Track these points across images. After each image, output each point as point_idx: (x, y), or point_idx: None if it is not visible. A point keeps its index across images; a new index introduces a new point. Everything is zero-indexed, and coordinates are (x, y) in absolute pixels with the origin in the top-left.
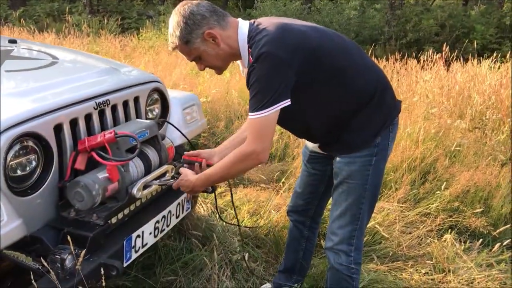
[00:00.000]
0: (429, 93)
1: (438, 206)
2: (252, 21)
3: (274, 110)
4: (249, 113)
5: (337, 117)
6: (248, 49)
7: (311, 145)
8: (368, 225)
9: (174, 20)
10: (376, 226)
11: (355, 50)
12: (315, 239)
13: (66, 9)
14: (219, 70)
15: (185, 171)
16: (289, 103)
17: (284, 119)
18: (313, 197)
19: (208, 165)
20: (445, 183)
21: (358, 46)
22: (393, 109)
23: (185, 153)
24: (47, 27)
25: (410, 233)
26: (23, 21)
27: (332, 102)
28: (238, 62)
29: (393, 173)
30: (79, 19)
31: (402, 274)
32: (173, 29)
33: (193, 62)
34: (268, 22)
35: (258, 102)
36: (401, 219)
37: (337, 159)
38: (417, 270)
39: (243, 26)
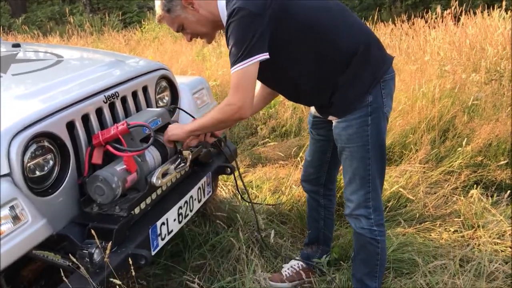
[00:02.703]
0: (441, 50)
1: (461, 163)
2: None
3: (250, 63)
4: (232, 69)
5: (322, 76)
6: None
7: (313, 110)
8: (392, 189)
9: None
10: (400, 189)
11: (336, 7)
12: (332, 207)
13: (66, 11)
14: (207, 37)
15: (173, 125)
16: (267, 56)
17: (273, 80)
18: (322, 164)
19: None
20: (466, 139)
21: (341, 5)
22: (381, 64)
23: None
24: (51, 30)
25: (435, 193)
26: (27, 28)
27: (313, 60)
28: None
29: (412, 134)
30: (81, 19)
31: (431, 235)
32: (158, 1)
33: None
34: None
35: (234, 57)
36: (424, 180)
37: (334, 124)
38: (446, 229)
39: None
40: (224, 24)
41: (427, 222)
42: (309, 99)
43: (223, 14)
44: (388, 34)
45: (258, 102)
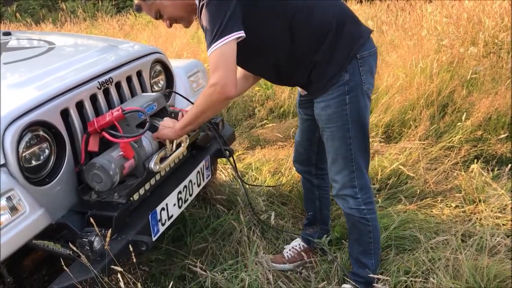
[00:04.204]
0: (438, 24)
1: (460, 137)
2: None
3: (226, 41)
4: (209, 50)
5: (298, 55)
6: None
7: (300, 90)
8: (392, 167)
9: None
10: (400, 167)
11: None
12: (327, 186)
13: None
14: (185, 22)
15: (166, 120)
16: (243, 34)
17: (252, 65)
18: (311, 143)
19: None
20: (465, 113)
21: None
22: (357, 39)
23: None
24: (43, 18)
25: (435, 169)
26: (19, 16)
27: (288, 40)
28: None
29: (411, 111)
30: (73, 5)
31: (432, 211)
32: None
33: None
34: None
35: (209, 38)
36: (424, 156)
37: (315, 105)
38: (447, 204)
39: None
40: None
41: (428, 199)
42: (289, 80)
43: None
44: (385, 10)
45: (241, 83)
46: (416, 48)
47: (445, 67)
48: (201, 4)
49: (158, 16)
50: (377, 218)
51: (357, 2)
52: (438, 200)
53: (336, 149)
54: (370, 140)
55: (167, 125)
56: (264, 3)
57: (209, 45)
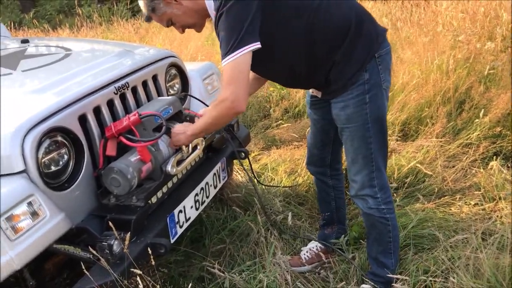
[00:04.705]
0: (453, 20)
1: (479, 134)
2: None
3: (242, 53)
4: (223, 61)
5: (317, 57)
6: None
7: (311, 90)
8: (409, 165)
9: None
10: (418, 165)
11: None
12: (342, 186)
13: (75, 3)
14: (197, 27)
15: (177, 127)
16: (259, 45)
17: (267, 69)
18: (325, 144)
19: None
20: (483, 109)
21: None
22: (375, 39)
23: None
24: (60, 23)
25: (453, 167)
26: (37, 22)
27: (306, 43)
28: None
29: (427, 108)
30: (89, 10)
31: (451, 209)
32: (141, 1)
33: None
34: None
35: (225, 48)
36: (442, 154)
37: (333, 105)
38: (466, 202)
39: None
40: (210, 12)
41: (447, 197)
42: (306, 82)
43: (209, 3)
44: (399, 7)
45: (253, 84)
46: (432, 44)
47: (461, 63)
48: (219, 13)
49: (170, 24)
50: (396, 217)
51: (371, 0)
52: (456, 198)
53: (356, 149)
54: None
55: (179, 131)
56: (281, 8)
57: (224, 55)
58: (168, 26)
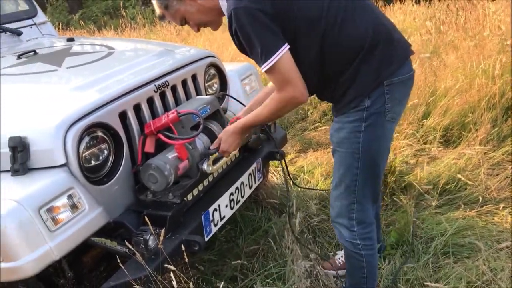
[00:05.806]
0: (502, 24)
1: None
2: None
3: (278, 57)
4: (261, 69)
5: (324, 72)
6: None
7: None
8: (449, 172)
9: None
10: (458, 175)
11: None
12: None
13: (120, 5)
14: (213, 25)
15: (222, 133)
16: (288, 45)
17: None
18: None
19: None
20: None
21: None
22: (387, 64)
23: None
24: (105, 24)
25: (497, 175)
26: (83, 23)
27: (316, 56)
28: None
29: (471, 114)
30: (133, 12)
31: (494, 218)
32: (154, 0)
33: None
34: None
35: (260, 55)
36: (485, 162)
37: (332, 123)
38: (510, 212)
39: None
40: (224, 12)
41: (490, 205)
42: (318, 94)
43: (223, 3)
44: (444, 10)
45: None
46: (478, 48)
47: (508, 68)
48: (233, 27)
49: (184, 22)
50: (376, 256)
51: (414, 3)
52: (500, 207)
53: (341, 175)
54: (428, 144)
55: (226, 139)
56: (299, 21)
57: (263, 60)
58: (182, 25)
